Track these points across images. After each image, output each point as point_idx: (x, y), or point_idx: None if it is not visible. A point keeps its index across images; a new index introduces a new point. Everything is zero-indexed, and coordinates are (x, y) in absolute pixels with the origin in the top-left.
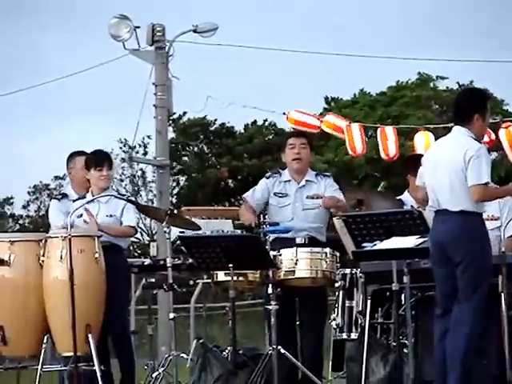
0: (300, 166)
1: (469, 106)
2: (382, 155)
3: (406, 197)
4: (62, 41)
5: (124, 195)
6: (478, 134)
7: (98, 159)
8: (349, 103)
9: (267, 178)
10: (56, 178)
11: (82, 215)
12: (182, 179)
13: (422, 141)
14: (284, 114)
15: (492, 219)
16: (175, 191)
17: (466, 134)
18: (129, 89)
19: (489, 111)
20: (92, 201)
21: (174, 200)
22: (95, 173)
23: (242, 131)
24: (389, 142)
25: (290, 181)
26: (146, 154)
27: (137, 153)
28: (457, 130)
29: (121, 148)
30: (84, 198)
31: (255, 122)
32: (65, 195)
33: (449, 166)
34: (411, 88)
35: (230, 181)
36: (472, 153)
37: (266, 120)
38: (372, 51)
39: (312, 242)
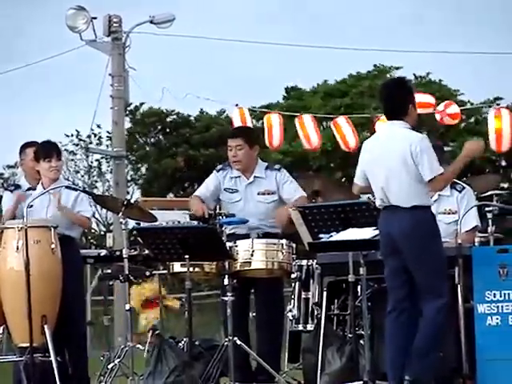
0: (241, 168)
1: (404, 99)
2: (342, 147)
3: None
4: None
5: (79, 186)
6: (413, 124)
7: (47, 150)
8: (309, 93)
9: (217, 172)
10: (8, 167)
11: (32, 206)
12: (142, 169)
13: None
14: (237, 105)
15: (449, 213)
16: (140, 182)
17: (403, 126)
18: (85, 80)
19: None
20: (43, 193)
21: (136, 190)
22: (44, 164)
23: (200, 121)
24: (346, 133)
25: (239, 177)
26: (100, 144)
27: (90, 143)
28: (393, 124)
29: (72, 141)
30: (35, 189)
31: (202, 111)
32: (18, 186)
33: (396, 163)
34: (369, 78)
35: (186, 170)
36: (418, 146)
37: (222, 110)
38: (333, 42)
39: (267, 236)
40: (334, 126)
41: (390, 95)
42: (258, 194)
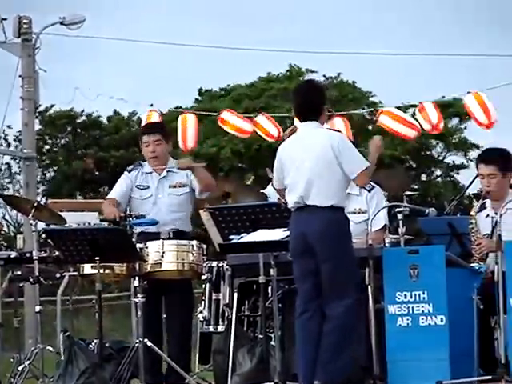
0: (157, 163)
1: (318, 100)
2: (268, 138)
3: (270, 190)
4: None
5: None
6: (323, 124)
7: None
8: (220, 95)
9: (129, 172)
10: None
11: None
12: (50, 171)
13: None
14: (151, 105)
15: (359, 212)
16: (45, 184)
17: (318, 126)
18: None
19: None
20: None
21: (42, 191)
22: None
23: (111, 123)
24: (267, 127)
25: (151, 173)
26: (9, 146)
27: (0, 145)
28: (307, 125)
29: None
30: None
31: (116, 112)
32: None
33: (315, 162)
34: (280, 80)
35: (96, 172)
36: (339, 144)
37: (133, 112)
38: (244, 43)
39: (177, 235)
40: (254, 125)
41: (304, 96)
42: (170, 187)
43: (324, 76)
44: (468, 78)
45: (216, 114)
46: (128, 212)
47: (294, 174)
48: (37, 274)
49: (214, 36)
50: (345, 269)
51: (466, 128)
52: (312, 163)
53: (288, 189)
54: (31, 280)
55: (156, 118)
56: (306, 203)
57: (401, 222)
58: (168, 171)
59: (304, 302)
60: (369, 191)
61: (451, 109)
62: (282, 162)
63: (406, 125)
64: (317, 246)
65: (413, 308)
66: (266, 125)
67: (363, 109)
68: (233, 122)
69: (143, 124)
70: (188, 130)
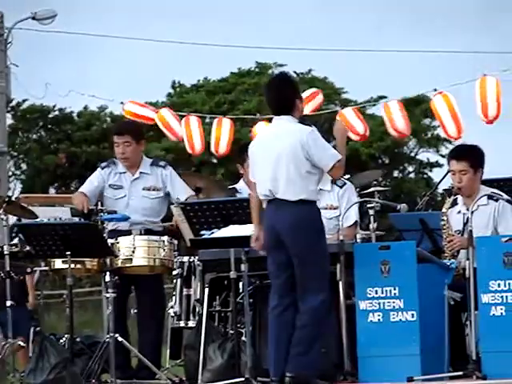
0: (128, 164)
1: (291, 93)
2: (213, 149)
3: (241, 185)
4: None
5: None
6: (299, 118)
7: None
8: (192, 89)
9: (102, 169)
10: None
11: None
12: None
13: (262, 125)
14: (122, 103)
15: (331, 208)
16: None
17: (291, 120)
18: None
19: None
20: None
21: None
22: None
23: (81, 118)
24: (222, 135)
25: (125, 172)
26: None
27: None
28: (280, 119)
29: None
30: None
31: (86, 108)
32: None
33: (284, 156)
34: (251, 75)
35: (68, 166)
36: (309, 139)
37: (102, 107)
38: (216, 39)
39: (148, 233)
40: (216, 126)
41: (276, 91)
42: (143, 189)
43: (295, 72)
44: (438, 74)
45: (184, 113)
46: (100, 206)
47: (264, 167)
48: (8, 268)
49: (186, 32)
50: (317, 263)
51: (439, 126)
52: (281, 158)
53: (257, 182)
54: (2, 275)
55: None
56: (276, 197)
57: (372, 217)
58: (141, 172)
59: (277, 296)
60: (340, 187)
61: (424, 105)
62: (253, 155)
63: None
64: (288, 240)
65: (384, 304)
66: (225, 132)
67: (335, 105)
68: (192, 131)
69: (116, 122)
70: (171, 124)
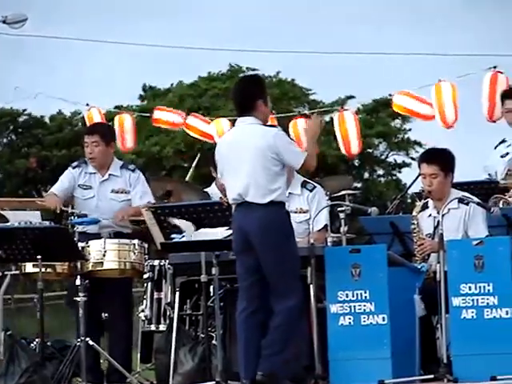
0: (96, 164)
1: (251, 94)
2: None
3: (213, 188)
4: None
5: None
6: (264, 120)
7: None
8: (163, 93)
9: (73, 168)
10: None
11: None
12: None
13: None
14: (87, 105)
15: (300, 212)
16: None
17: (254, 122)
18: None
19: (268, 95)
20: None
21: None
22: None
23: (53, 122)
24: (199, 127)
25: (94, 173)
26: None
27: None
28: (243, 120)
29: None
30: None
31: (60, 112)
32: None
33: (251, 159)
34: (222, 80)
35: (39, 171)
36: (276, 140)
37: (76, 111)
38: (186, 42)
39: (118, 236)
40: (186, 128)
41: (239, 90)
42: (112, 191)
43: (263, 74)
44: (405, 76)
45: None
46: (70, 210)
47: (232, 171)
48: None
49: (155, 35)
50: (287, 264)
51: (410, 130)
52: (248, 161)
53: (226, 186)
54: None
55: (98, 117)
56: (245, 200)
57: (343, 220)
58: (110, 174)
59: (245, 299)
60: (310, 191)
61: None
62: (219, 157)
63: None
64: (256, 243)
65: (354, 307)
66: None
67: (303, 106)
68: (165, 117)
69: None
70: (125, 130)
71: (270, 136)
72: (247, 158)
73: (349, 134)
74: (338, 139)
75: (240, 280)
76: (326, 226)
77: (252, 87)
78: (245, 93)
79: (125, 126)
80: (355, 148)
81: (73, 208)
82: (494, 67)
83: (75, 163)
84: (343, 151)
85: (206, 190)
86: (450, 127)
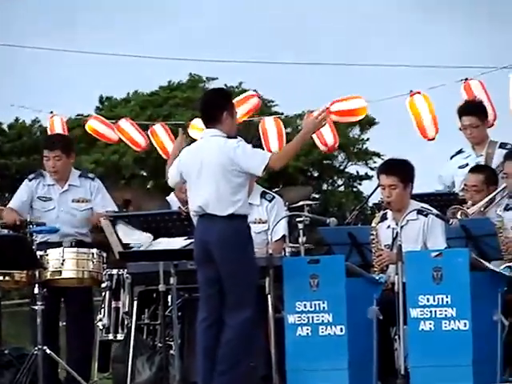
0: (57, 178)
1: (217, 106)
2: (162, 154)
3: (172, 198)
4: None
5: None
6: (229, 132)
7: None
8: (121, 102)
9: (30, 181)
10: None
11: None
12: None
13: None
14: (51, 112)
15: (259, 222)
16: None
17: (217, 134)
18: None
19: (235, 108)
20: None
21: None
22: None
23: (12, 130)
24: (164, 140)
25: (53, 185)
26: None
27: None
28: (208, 132)
29: None
30: None
31: (17, 119)
32: None
33: (212, 171)
34: (182, 89)
35: None
36: (236, 151)
37: (36, 119)
38: (145, 51)
39: (78, 245)
40: (151, 134)
41: (205, 102)
42: (73, 201)
43: (225, 85)
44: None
45: (114, 121)
46: (29, 219)
47: (193, 183)
48: None
49: (114, 44)
50: (244, 278)
51: (368, 140)
52: (209, 173)
53: (188, 197)
54: None
55: (59, 125)
56: (206, 212)
57: (301, 231)
58: (70, 185)
59: (205, 310)
60: (269, 201)
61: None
62: (181, 166)
63: None
64: (216, 255)
65: (312, 318)
66: (164, 137)
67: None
68: (130, 132)
69: (47, 135)
70: (103, 131)
71: (230, 148)
72: (208, 170)
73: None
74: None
75: (201, 290)
76: (283, 236)
77: (218, 99)
78: (211, 104)
79: (97, 129)
80: (330, 140)
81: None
82: (466, 79)
83: (32, 175)
84: (319, 145)
85: (166, 198)
86: (430, 140)
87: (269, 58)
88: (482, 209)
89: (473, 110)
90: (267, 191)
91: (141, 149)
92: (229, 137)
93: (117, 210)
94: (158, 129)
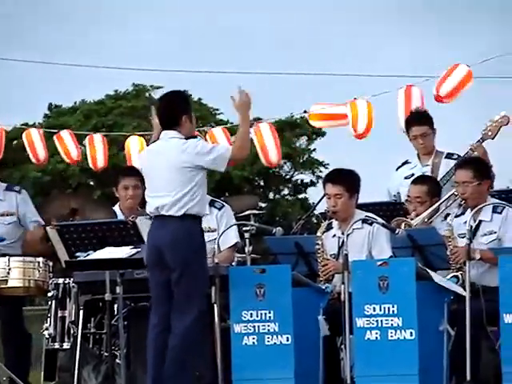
0: None
1: (176, 109)
2: (91, 165)
3: (116, 208)
4: None
5: None
6: (187, 135)
7: None
8: (68, 111)
9: None
10: None
11: None
12: None
13: (136, 146)
14: None
15: (209, 231)
16: None
17: (175, 136)
18: None
19: (193, 112)
20: None
21: None
22: None
23: None
24: (97, 151)
25: None
26: None
27: None
28: (166, 134)
29: None
30: None
31: None
32: None
33: (168, 171)
34: (127, 98)
35: None
36: (193, 148)
37: None
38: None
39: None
40: (88, 143)
41: (164, 105)
42: None
43: None
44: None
45: (55, 131)
46: None
47: (150, 185)
48: None
49: (63, 52)
50: (192, 281)
51: (315, 150)
52: (165, 174)
53: (146, 199)
54: None
55: None
56: (161, 213)
57: (247, 240)
58: None
59: (158, 315)
60: (219, 209)
61: (298, 129)
62: (141, 168)
63: None
64: (167, 257)
65: (259, 327)
66: (98, 147)
67: (212, 126)
68: (67, 144)
69: None
70: (36, 145)
71: (187, 148)
72: (165, 171)
73: (266, 144)
74: (258, 150)
75: (152, 294)
76: (236, 243)
77: (177, 102)
78: (169, 107)
79: (34, 140)
80: (274, 157)
81: None
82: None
83: None
84: (263, 161)
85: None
86: (361, 137)
87: (214, 68)
88: (426, 220)
89: (423, 119)
90: (216, 199)
91: (72, 162)
92: (187, 138)
93: (42, 222)
94: (97, 139)
